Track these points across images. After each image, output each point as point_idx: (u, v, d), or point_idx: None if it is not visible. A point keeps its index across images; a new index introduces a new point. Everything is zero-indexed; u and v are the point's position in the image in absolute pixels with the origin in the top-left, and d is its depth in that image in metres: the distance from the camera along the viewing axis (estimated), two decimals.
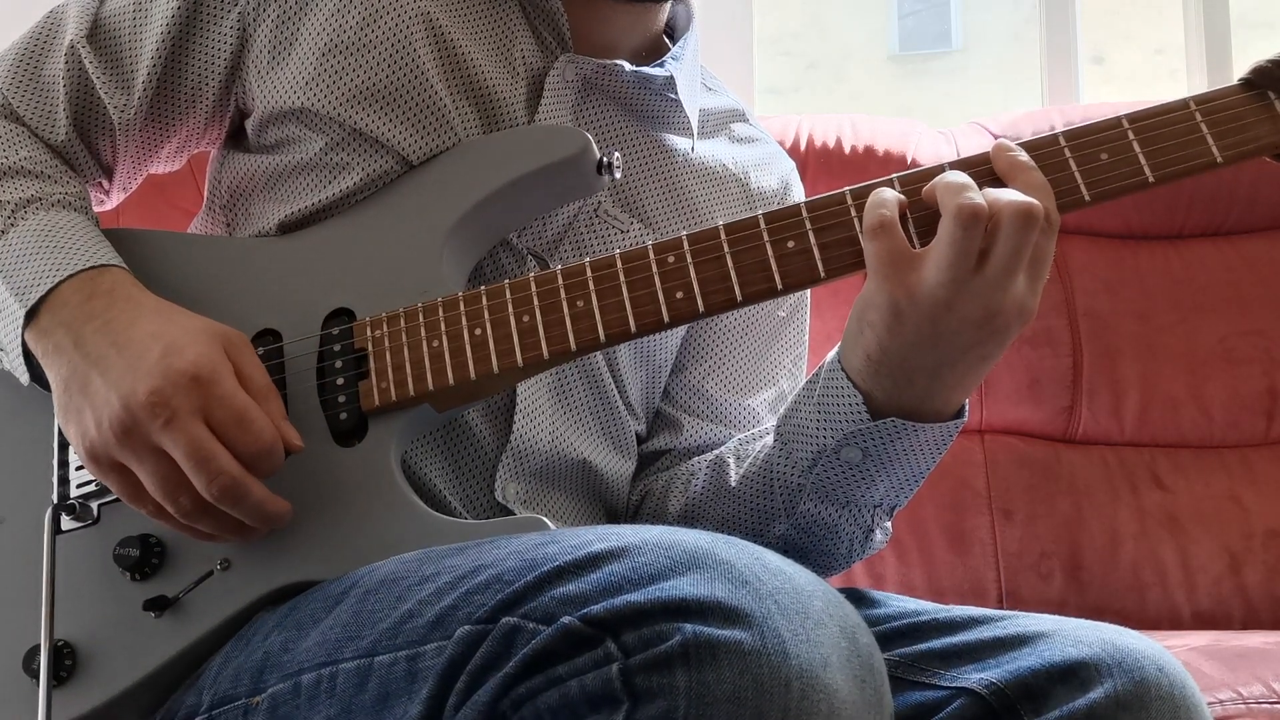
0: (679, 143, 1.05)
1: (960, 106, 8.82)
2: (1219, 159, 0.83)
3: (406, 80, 0.95)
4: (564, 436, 0.98)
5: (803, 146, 1.73)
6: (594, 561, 0.66)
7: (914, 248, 0.80)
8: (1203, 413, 1.67)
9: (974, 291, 0.78)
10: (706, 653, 0.61)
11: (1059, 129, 0.86)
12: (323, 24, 0.96)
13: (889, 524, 0.96)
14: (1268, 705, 1.13)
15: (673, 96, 1.03)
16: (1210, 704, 1.11)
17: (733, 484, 0.98)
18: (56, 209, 0.95)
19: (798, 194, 1.14)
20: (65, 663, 0.86)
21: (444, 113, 0.95)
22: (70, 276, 0.89)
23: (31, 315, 0.89)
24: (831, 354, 0.89)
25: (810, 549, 0.96)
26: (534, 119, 0.98)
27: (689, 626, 0.61)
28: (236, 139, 1.04)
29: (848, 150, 1.71)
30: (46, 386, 0.90)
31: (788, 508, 0.94)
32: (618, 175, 0.93)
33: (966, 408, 0.87)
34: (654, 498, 1.06)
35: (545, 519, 0.84)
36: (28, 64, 1.00)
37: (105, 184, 1.05)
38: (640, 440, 1.07)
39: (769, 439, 0.97)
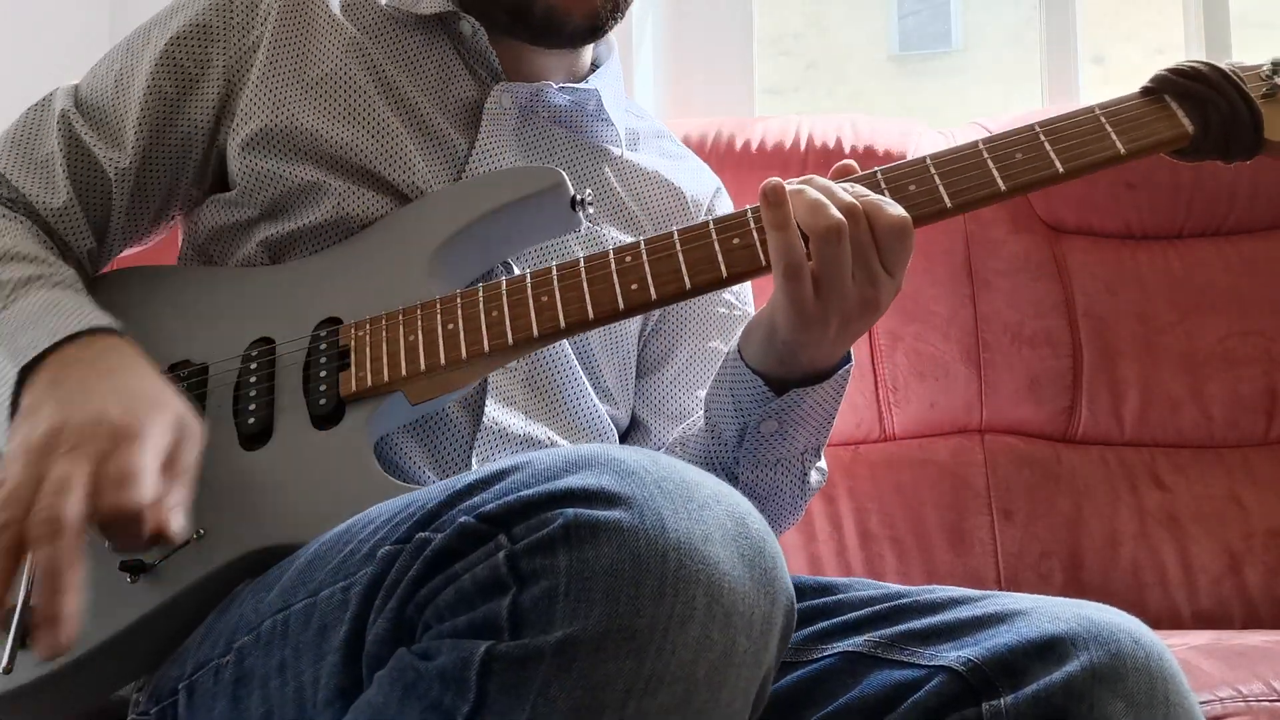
0: (613, 151, 1.17)
1: (960, 106, 8.83)
2: (1122, 151, 0.92)
3: (363, 107, 1.07)
4: (537, 422, 1.03)
5: (803, 146, 1.73)
6: (500, 475, 0.68)
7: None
8: (1203, 413, 1.67)
9: (820, 309, 0.90)
10: (587, 532, 0.63)
11: None
12: (299, 62, 1.08)
13: (821, 463, 1.07)
14: (1268, 703, 1.13)
15: (599, 111, 1.14)
16: (1210, 701, 1.11)
17: None
18: (59, 289, 0.97)
19: (726, 204, 1.26)
20: None
21: (399, 137, 1.06)
22: (70, 338, 0.89)
23: (29, 373, 0.88)
24: (732, 348, 1.00)
25: (761, 511, 1.01)
26: (474, 145, 1.08)
27: (571, 510, 0.64)
28: (213, 188, 1.12)
29: (848, 150, 1.71)
30: None
31: (730, 481, 1.02)
32: (591, 211, 1.02)
33: (851, 354, 0.99)
34: None
35: None
36: (23, 144, 1.08)
37: (96, 250, 1.09)
38: (622, 430, 1.14)
39: (701, 422, 1.06)
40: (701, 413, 1.07)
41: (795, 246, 0.88)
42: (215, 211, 1.09)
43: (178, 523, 0.80)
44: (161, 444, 0.81)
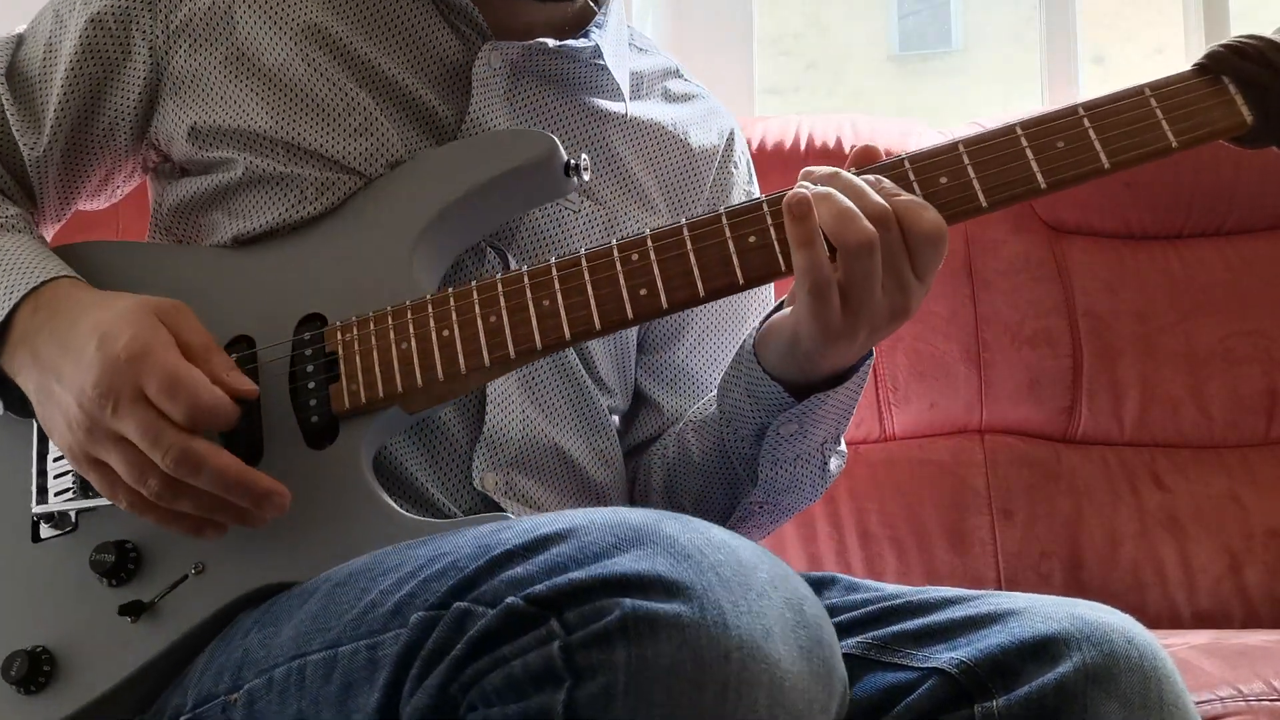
0: (615, 108, 1.07)
1: (960, 106, 8.82)
2: (1174, 144, 0.82)
3: (326, 91, 0.98)
4: (536, 424, 0.99)
5: (803, 146, 1.73)
6: (543, 544, 0.66)
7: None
8: (1203, 413, 1.67)
9: (847, 324, 0.84)
10: (646, 627, 0.61)
11: None
12: (235, 48, 0.99)
13: (841, 446, 1.01)
14: (1268, 702, 1.13)
15: (600, 63, 1.04)
16: (1211, 701, 1.12)
17: (696, 458, 1.02)
18: (0, 233, 0.97)
19: (740, 148, 1.17)
20: (44, 668, 0.86)
21: (373, 117, 0.97)
22: (22, 299, 0.91)
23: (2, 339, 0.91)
24: (747, 347, 0.94)
25: (781, 502, 1.01)
26: (466, 113, 0.99)
27: (629, 601, 0.61)
28: (171, 168, 1.05)
29: (848, 150, 1.70)
30: (20, 414, 0.94)
31: (750, 474, 0.99)
32: (586, 177, 0.94)
33: (872, 349, 0.93)
34: (643, 473, 1.09)
35: (509, 516, 0.85)
36: None
37: (34, 214, 1.06)
38: (624, 418, 1.10)
39: (714, 407, 1.01)
40: (715, 396, 1.03)
41: (822, 264, 0.81)
42: (176, 194, 1.03)
43: (240, 380, 0.86)
44: (165, 338, 0.85)
